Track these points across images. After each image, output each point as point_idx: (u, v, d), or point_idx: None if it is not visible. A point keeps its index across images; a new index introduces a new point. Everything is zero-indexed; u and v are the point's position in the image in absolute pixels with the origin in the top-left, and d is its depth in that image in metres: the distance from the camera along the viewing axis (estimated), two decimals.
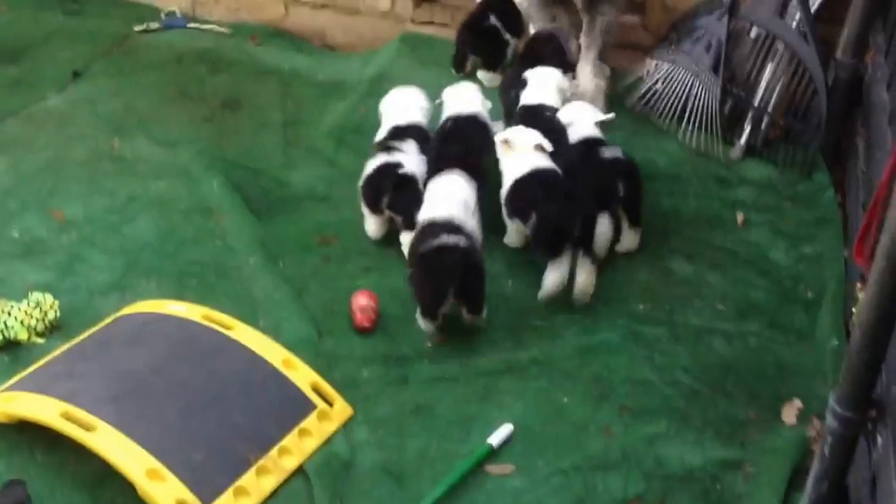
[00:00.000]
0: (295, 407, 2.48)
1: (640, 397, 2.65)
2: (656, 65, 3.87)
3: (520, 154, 3.07)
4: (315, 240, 3.27)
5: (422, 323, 2.79)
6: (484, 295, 2.80)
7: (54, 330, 2.75)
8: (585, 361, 2.76)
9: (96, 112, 3.97)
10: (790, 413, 2.66)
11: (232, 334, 2.59)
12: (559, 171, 3.03)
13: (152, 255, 3.14)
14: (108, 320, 2.70)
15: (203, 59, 4.39)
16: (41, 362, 2.53)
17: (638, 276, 3.12)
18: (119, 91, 4.14)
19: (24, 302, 2.75)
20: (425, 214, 2.87)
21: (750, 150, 3.71)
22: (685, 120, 3.74)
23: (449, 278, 2.68)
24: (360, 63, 4.48)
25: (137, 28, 4.62)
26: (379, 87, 4.14)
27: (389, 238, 3.24)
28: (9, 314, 2.69)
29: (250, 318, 2.78)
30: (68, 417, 2.23)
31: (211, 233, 3.26)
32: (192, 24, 4.69)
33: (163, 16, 4.74)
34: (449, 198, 2.90)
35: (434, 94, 3.56)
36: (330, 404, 2.54)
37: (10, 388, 2.41)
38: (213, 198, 3.42)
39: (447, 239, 2.70)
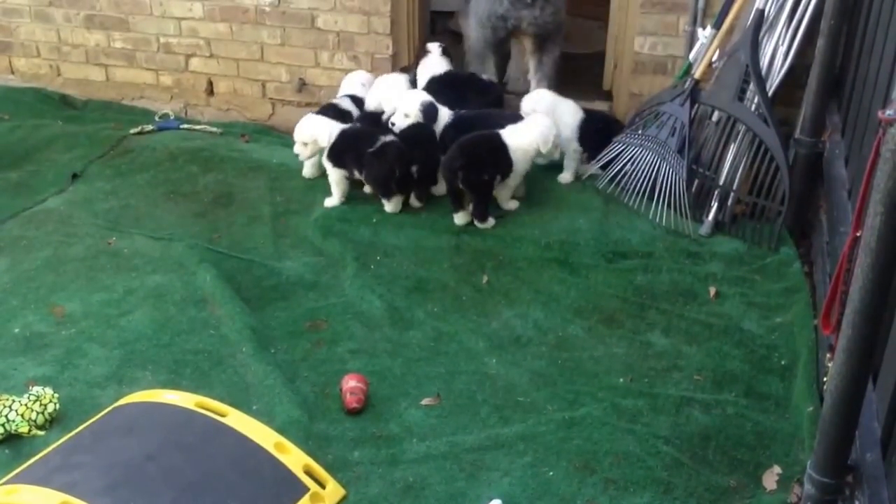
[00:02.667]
0: (288, 490, 2.46)
1: (624, 469, 2.66)
2: (624, 148, 3.99)
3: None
4: (305, 325, 3.31)
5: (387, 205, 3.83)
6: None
7: (54, 422, 2.76)
8: (569, 435, 2.78)
9: (94, 211, 4.05)
10: (770, 479, 2.66)
11: (225, 421, 2.59)
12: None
13: (148, 346, 3.16)
14: (104, 411, 2.69)
15: (195, 158, 4.50)
16: (41, 455, 2.51)
17: (617, 350, 3.16)
18: (116, 190, 4.23)
19: (25, 396, 2.76)
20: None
21: (718, 226, 3.81)
22: (655, 200, 3.84)
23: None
24: None
25: (133, 131, 4.75)
26: None
27: (377, 324, 3.29)
28: (10, 408, 2.70)
29: (244, 404, 2.79)
30: None
31: (205, 322, 3.29)
32: (184, 126, 4.83)
33: (157, 118, 4.88)
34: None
35: None
36: (322, 486, 2.52)
37: (11, 481, 2.39)
38: (207, 289, 3.47)
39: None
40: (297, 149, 4.10)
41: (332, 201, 4.05)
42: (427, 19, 5.30)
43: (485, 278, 3.54)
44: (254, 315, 3.34)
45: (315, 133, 4.02)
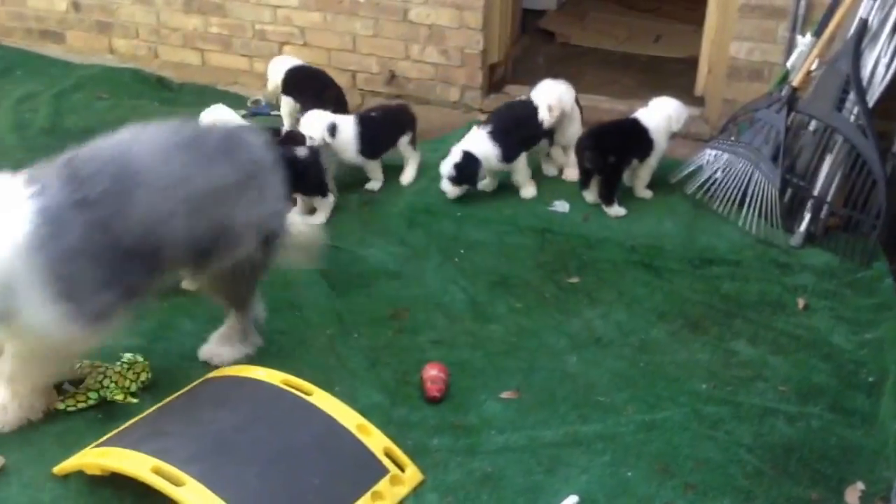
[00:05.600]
0: (368, 471, 2.54)
1: (704, 475, 2.65)
2: (716, 154, 3.97)
3: None
4: (388, 313, 3.38)
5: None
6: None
7: (146, 390, 2.88)
8: (649, 438, 2.79)
9: None
10: (853, 495, 2.63)
11: (311, 399, 2.68)
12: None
13: None
14: (195, 383, 2.81)
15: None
16: (133, 420, 2.64)
17: (700, 356, 3.15)
18: None
19: (119, 364, 2.88)
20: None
21: (810, 237, 3.75)
22: (745, 207, 3.81)
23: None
24: (430, 149, 4.64)
25: None
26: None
27: (458, 316, 3.35)
28: (105, 375, 2.83)
29: (326, 386, 2.86)
30: (159, 472, 2.32)
31: (290, 304, 3.38)
32: (275, 112, 4.93)
33: (249, 103, 5.00)
34: None
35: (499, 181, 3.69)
36: (402, 469, 2.59)
37: (105, 444, 2.52)
38: (294, 272, 3.56)
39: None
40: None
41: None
42: (519, 17, 5.34)
43: (573, 278, 3.56)
44: (338, 300, 3.43)
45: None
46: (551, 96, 4.02)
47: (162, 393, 2.83)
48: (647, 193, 4.10)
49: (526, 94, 4.23)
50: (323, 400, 2.69)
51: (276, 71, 4.64)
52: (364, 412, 2.74)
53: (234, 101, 5.07)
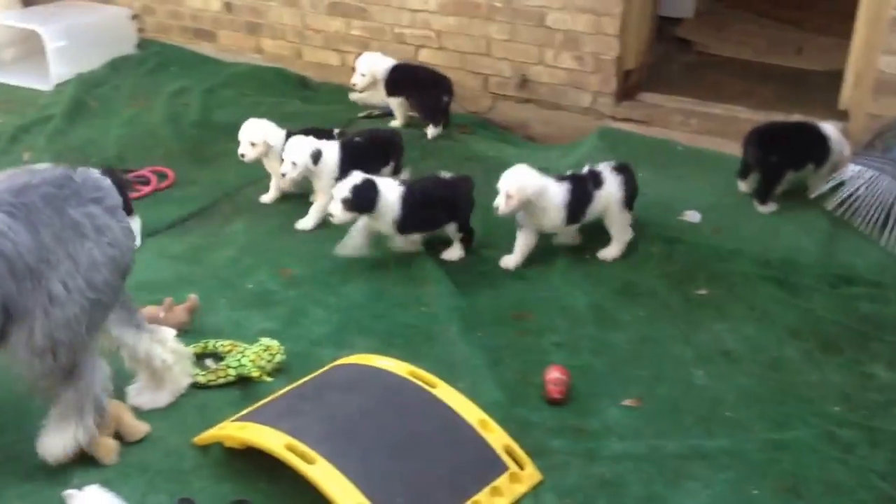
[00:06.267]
0: (488, 466, 2.56)
1: (834, 499, 2.55)
2: (860, 170, 3.81)
3: None
4: (511, 314, 3.39)
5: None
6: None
7: (279, 372, 2.99)
8: (776, 457, 2.70)
9: None
10: None
11: (435, 392, 2.72)
12: None
13: (364, 315, 3.35)
14: (325, 368, 2.90)
15: (416, 145, 4.68)
16: (268, 399, 2.76)
17: (834, 377, 3.03)
18: None
19: (256, 345, 3.01)
20: None
21: None
22: (889, 227, 3.64)
23: None
24: (559, 154, 4.66)
25: (361, 114, 5.02)
26: None
27: (582, 321, 3.33)
28: (243, 354, 2.96)
29: (450, 380, 2.89)
30: (292, 450, 2.41)
31: (418, 299, 3.45)
32: (409, 113, 5.03)
33: (383, 103, 5.12)
34: None
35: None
36: (521, 468, 2.60)
37: (242, 419, 2.63)
38: (421, 268, 3.63)
39: None
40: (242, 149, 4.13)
41: None
42: (655, 24, 5.27)
43: (701, 290, 3.49)
44: (463, 298, 3.47)
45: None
46: (511, 183, 3.55)
47: (294, 375, 2.94)
48: (770, 208, 4.00)
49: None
50: (446, 393, 2.73)
51: (370, 65, 4.76)
52: (485, 409, 2.76)
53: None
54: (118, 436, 2.67)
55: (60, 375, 2.49)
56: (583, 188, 3.62)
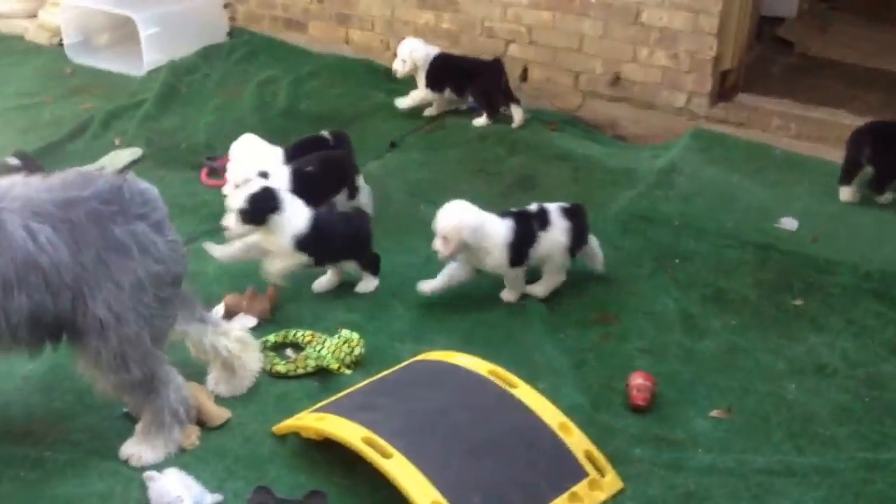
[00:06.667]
0: (567, 471, 2.54)
1: None
2: None
3: None
4: (594, 317, 3.36)
5: None
6: None
7: (358, 364, 3.03)
8: (871, 477, 2.60)
9: (406, 179, 4.36)
10: None
11: (515, 392, 2.71)
12: None
13: (445, 311, 3.36)
14: (404, 363, 2.92)
15: (503, 140, 4.68)
16: (347, 391, 2.79)
17: None
18: (427, 162, 4.52)
19: (336, 337, 3.05)
20: None
21: None
22: None
23: None
24: (650, 155, 4.59)
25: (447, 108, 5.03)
26: (667, 179, 4.25)
27: (669, 327, 3.28)
28: (323, 345, 3.00)
29: (530, 381, 2.87)
30: (369, 443, 2.44)
31: (498, 298, 3.44)
32: None
33: (470, 98, 5.12)
34: None
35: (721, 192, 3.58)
36: (602, 475, 2.57)
37: (321, 410, 2.67)
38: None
39: None
40: None
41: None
42: (756, 23, 5.15)
43: (797, 300, 3.40)
44: (545, 299, 3.45)
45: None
46: (445, 223, 3.27)
47: (372, 368, 2.98)
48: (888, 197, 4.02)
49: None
50: (527, 394, 2.72)
51: (411, 51, 4.78)
52: (566, 412, 2.74)
53: None
54: (199, 421, 2.73)
55: (139, 388, 2.57)
56: (528, 227, 3.35)
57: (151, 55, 5.53)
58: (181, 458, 2.60)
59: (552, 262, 3.41)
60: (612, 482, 2.57)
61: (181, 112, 5.04)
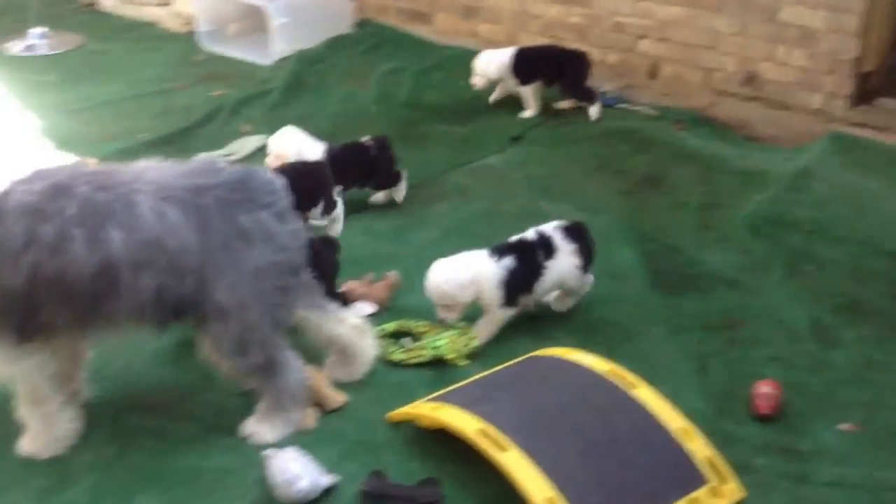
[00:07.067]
0: (688, 476, 2.51)
1: None
2: None
3: None
4: (720, 321, 3.30)
5: None
6: None
7: (474, 357, 3.07)
8: None
9: (527, 174, 4.38)
10: None
11: (635, 393, 2.70)
12: None
13: (567, 309, 3.36)
14: (522, 358, 2.94)
15: (628, 138, 4.65)
16: (463, 383, 2.83)
17: None
18: (549, 158, 4.53)
19: (453, 329, 3.10)
20: None
21: None
22: None
23: None
24: (783, 157, 4.47)
25: (561, 105, 5.03)
26: (801, 182, 4.13)
27: (799, 336, 3.19)
28: (441, 336, 3.06)
29: (650, 383, 2.86)
30: (485, 435, 2.47)
31: (620, 297, 3.42)
32: (621, 105, 5.00)
33: None
34: None
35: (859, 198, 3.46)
36: (723, 482, 2.53)
37: (438, 399, 2.72)
38: (625, 265, 3.60)
39: None
40: None
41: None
42: None
43: None
44: (669, 300, 3.41)
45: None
46: (442, 291, 3.10)
47: (489, 362, 3.01)
48: None
49: None
50: (648, 396, 2.70)
51: (483, 65, 4.85)
52: (686, 417, 2.70)
53: None
54: (317, 404, 2.83)
55: (259, 372, 2.66)
56: (530, 260, 3.16)
57: (280, 45, 5.73)
58: (299, 439, 2.70)
59: (571, 286, 3.27)
60: (733, 490, 2.53)
61: (307, 101, 5.20)
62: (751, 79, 4.79)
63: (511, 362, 2.93)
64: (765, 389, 2.87)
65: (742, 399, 2.91)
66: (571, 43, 5.34)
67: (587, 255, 3.25)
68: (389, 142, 4.08)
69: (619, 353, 3.07)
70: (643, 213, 4.02)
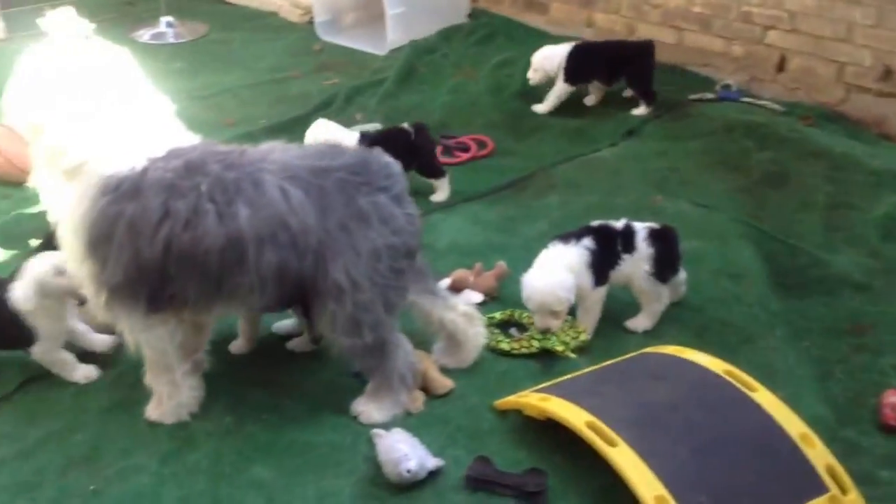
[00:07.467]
0: (805, 483, 2.43)
1: None
2: None
3: None
4: (846, 327, 3.18)
5: None
6: None
7: (582, 351, 3.05)
8: None
9: (643, 168, 4.32)
10: None
11: (754, 396, 2.63)
12: None
13: (678, 305, 3.30)
14: (633, 353, 2.91)
15: (751, 133, 4.52)
16: (571, 375, 2.82)
17: None
18: (666, 152, 4.45)
19: (562, 321, 3.08)
20: None
21: None
22: None
23: None
24: None
25: (693, 97, 4.93)
26: None
27: None
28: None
29: (767, 387, 2.78)
30: (593, 428, 2.45)
31: (738, 298, 3.34)
32: (745, 99, 4.88)
33: (718, 87, 4.99)
34: None
35: None
36: (843, 492, 2.44)
37: (545, 391, 2.72)
38: (744, 264, 3.51)
39: None
40: None
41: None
42: None
43: None
44: (790, 302, 3.31)
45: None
46: (547, 300, 3.04)
47: (597, 356, 2.99)
48: None
49: None
50: (767, 399, 2.62)
51: (540, 60, 4.80)
52: (807, 423, 2.61)
53: (702, 83, 5.11)
54: (424, 388, 2.86)
55: (371, 352, 2.72)
56: (609, 244, 3.11)
57: (395, 34, 5.81)
58: (406, 421, 2.74)
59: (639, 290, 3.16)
60: (854, 502, 2.43)
61: (419, 91, 5.25)
62: (888, 73, 4.58)
63: (621, 358, 2.89)
64: (894, 399, 2.76)
65: (867, 408, 2.81)
66: (694, 35, 5.24)
67: (663, 264, 3.13)
68: (427, 128, 4.16)
69: (735, 355, 2.99)
70: (765, 211, 3.91)
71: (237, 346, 3.11)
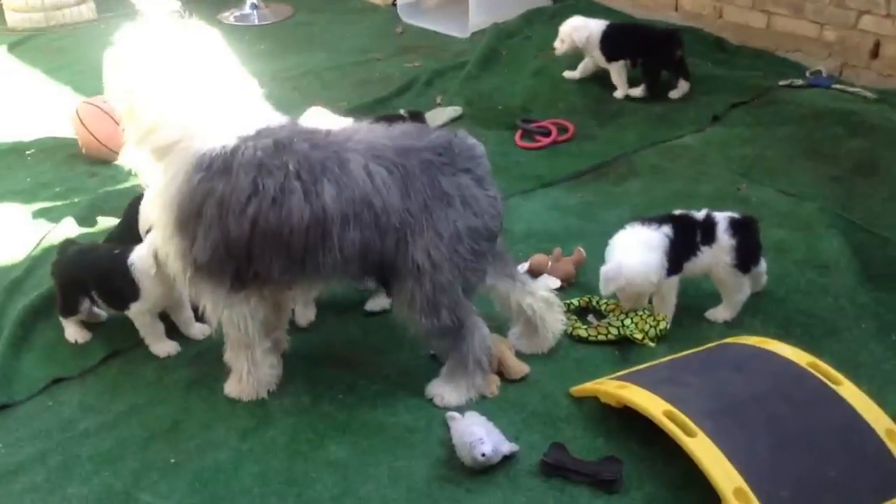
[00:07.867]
0: (892, 480, 2.38)
1: None
2: None
3: None
4: None
5: None
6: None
7: (661, 340, 3.02)
8: None
9: (728, 155, 4.25)
10: None
11: (839, 389, 2.57)
12: None
13: (762, 296, 3.24)
14: (714, 343, 2.87)
15: (842, 121, 4.41)
16: (650, 364, 2.80)
17: None
18: (753, 139, 4.37)
19: (641, 309, 3.06)
20: None
21: None
22: None
23: None
24: None
25: (781, 83, 4.82)
26: None
27: None
28: (627, 315, 3.03)
29: (853, 381, 2.73)
30: (671, 418, 2.43)
31: (824, 288, 3.27)
32: (836, 86, 4.76)
33: (808, 74, 4.87)
34: None
35: None
36: None
37: (623, 378, 2.71)
38: (832, 255, 3.43)
39: None
40: None
41: None
42: None
43: None
44: (879, 294, 3.23)
45: None
46: (636, 286, 3.02)
47: (676, 345, 2.96)
48: None
49: None
50: (852, 393, 2.57)
51: (569, 30, 4.81)
52: (893, 419, 2.56)
53: (792, 68, 4.99)
54: (499, 372, 2.88)
55: (448, 334, 2.73)
56: (688, 234, 3.05)
57: (477, 17, 5.82)
58: (481, 405, 2.76)
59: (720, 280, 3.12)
60: None
61: (500, 74, 5.25)
62: None
63: (701, 347, 2.86)
64: None
65: None
66: (784, 19, 5.11)
67: (745, 254, 3.07)
68: (423, 114, 4.20)
69: (819, 348, 2.94)
70: (855, 201, 3.81)
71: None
